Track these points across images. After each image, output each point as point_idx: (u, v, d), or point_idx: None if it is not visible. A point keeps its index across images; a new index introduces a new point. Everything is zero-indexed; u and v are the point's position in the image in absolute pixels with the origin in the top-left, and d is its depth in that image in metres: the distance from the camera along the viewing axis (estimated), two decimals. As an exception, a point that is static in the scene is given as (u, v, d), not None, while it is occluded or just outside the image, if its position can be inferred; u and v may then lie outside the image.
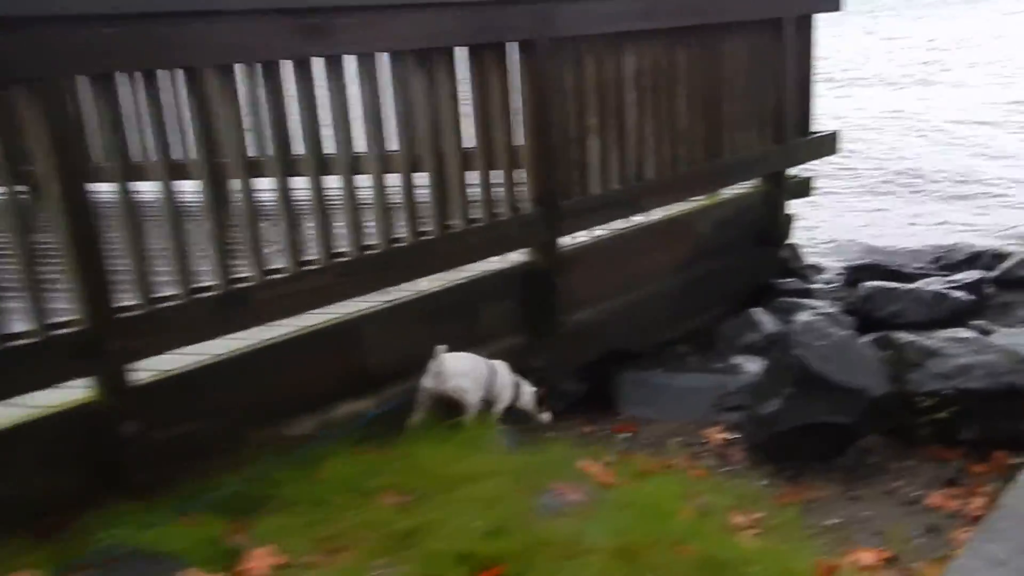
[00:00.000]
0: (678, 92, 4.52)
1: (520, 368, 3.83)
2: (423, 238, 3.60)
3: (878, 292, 4.89)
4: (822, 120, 5.85)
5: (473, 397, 3.36)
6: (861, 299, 5.00)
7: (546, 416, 3.70)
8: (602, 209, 4.28)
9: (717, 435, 3.57)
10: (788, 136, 5.36)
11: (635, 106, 4.32)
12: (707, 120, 4.78)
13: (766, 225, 5.48)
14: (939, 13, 25.46)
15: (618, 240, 4.51)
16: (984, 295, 5.42)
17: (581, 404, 4.00)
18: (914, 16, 25.64)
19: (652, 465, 3.24)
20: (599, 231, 4.52)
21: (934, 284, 5.38)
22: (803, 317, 4.51)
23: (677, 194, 4.71)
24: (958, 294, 4.80)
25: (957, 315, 4.69)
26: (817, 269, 6.61)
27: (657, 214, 4.85)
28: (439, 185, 3.61)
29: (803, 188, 5.90)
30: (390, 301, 3.65)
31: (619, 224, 4.57)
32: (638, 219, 4.73)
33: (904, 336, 3.54)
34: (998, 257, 6.30)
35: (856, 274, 5.99)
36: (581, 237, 4.39)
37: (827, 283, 6.16)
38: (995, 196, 8.92)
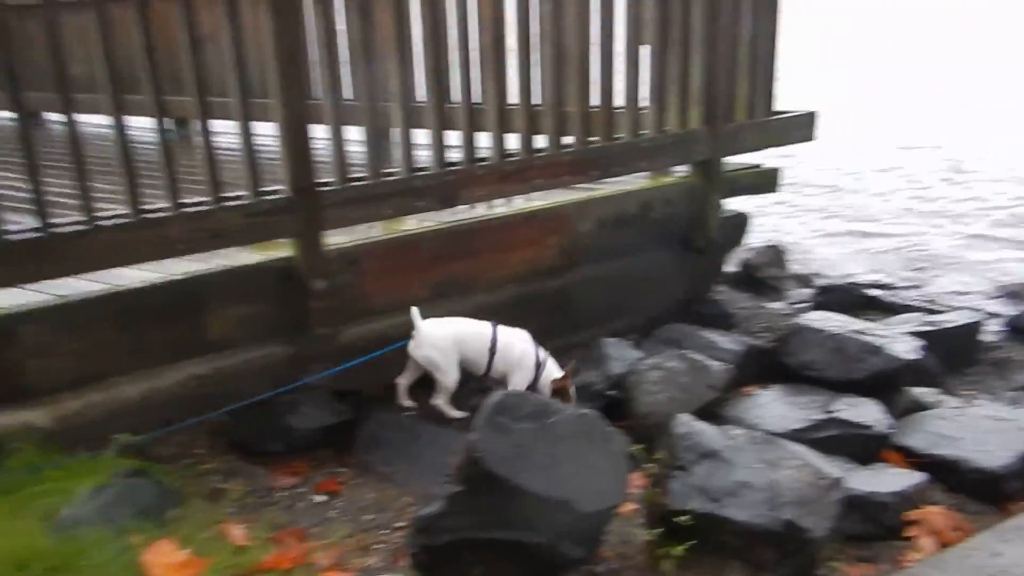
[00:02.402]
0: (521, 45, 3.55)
1: (282, 383, 3.20)
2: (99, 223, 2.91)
3: (795, 332, 3.76)
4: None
5: (446, 374, 3.19)
6: (778, 339, 3.88)
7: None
8: (394, 197, 3.42)
9: (426, 517, 2.71)
10: (726, 115, 4.23)
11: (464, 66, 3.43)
12: (583, 86, 3.77)
13: (691, 226, 4.39)
14: None
15: (429, 238, 3.64)
16: (972, 347, 4.15)
17: (325, 441, 3.22)
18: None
19: (286, 557, 2.45)
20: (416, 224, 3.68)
21: (902, 325, 4.15)
22: (647, 361, 3.53)
23: (525, 184, 3.76)
24: (899, 348, 3.59)
25: (890, 376, 3.50)
26: (803, 281, 5.41)
27: (513, 205, 3.96)
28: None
29: (765, 182, 4.73)
30: (63, 297, 3.02)
31: (456, 216, 3.72)
32: (482, 210, 3.86)
33: (686, 424, 2.52)
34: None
35: (822, 296, 4.80)
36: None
37: (796, 303, 5.00)
38: None
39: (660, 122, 4.06)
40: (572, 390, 3.26)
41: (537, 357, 3.27)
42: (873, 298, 4.68)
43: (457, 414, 3.22)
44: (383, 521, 2.74)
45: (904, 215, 6.96)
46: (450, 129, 3.55)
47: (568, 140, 3.87)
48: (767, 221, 6.22)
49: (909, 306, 4.61)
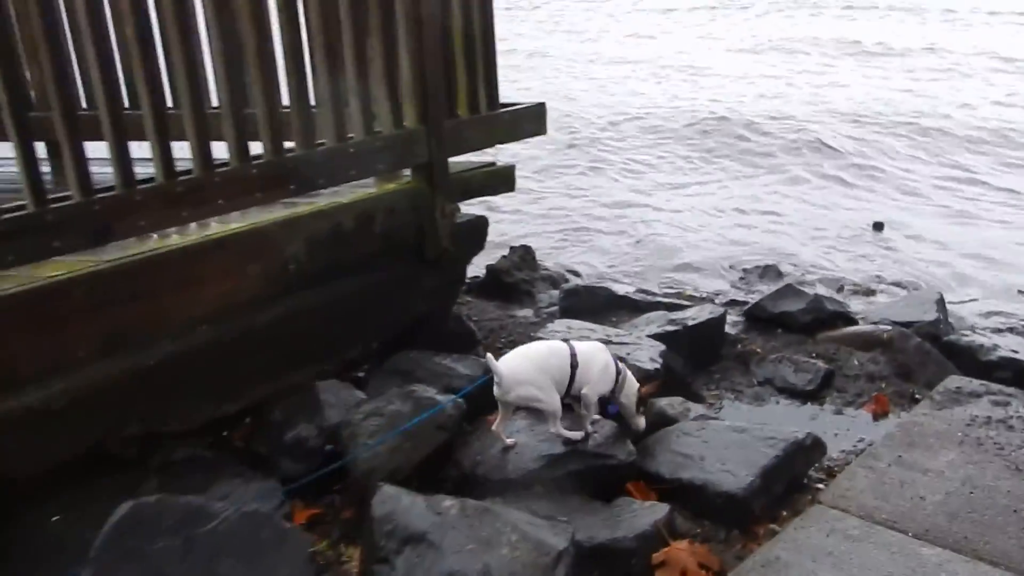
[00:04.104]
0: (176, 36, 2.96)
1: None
2: None
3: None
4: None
5: (548, 403, 2.92)
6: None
7: (641, 422, 3.13)
8: (17, 238, 2.71)
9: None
10: (446, 111, 3.87)
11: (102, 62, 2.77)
12: (266, 83, 3.24)
13: (421, 236, 3.99)
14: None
15: (86, 282, 2.96)
16: (717, 342, 4.09)
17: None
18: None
19: None
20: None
21: (647, 326, 4.02)
22: (364, 407, 3.09)
23: (204, 207, 3.16)
24: (643, 357, 3.42)
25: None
26: (553, 283, 5.22)
27: (200, 231, 3.36)
28: None
29: (501, 180, 4.42)
30: None
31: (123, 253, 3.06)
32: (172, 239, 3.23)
33: (389, 500, 2.10)
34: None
35: (568, 300, 4.61)
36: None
37: (545, 307, 4.78)
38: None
39: (368, 122, 3.61)
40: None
41: (617, 366, 3.05)
42: (619, 297, 4.54)
43: (577, 435, 2.97)
44: None
45: (638, 206, 7.01)
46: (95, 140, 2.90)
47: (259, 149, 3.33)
48: (512, 221, 6.01)
49: (656, 302, 4.51)
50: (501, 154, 4.46)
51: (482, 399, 3.35)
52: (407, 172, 3.97)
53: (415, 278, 4.03)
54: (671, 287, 5.15)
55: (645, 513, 2.63)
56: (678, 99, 10.95)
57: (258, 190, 3.28)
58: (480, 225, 4.42)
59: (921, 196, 7.27)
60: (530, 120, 4.33)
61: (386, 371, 3.53)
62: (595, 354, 3.02)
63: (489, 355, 2.93)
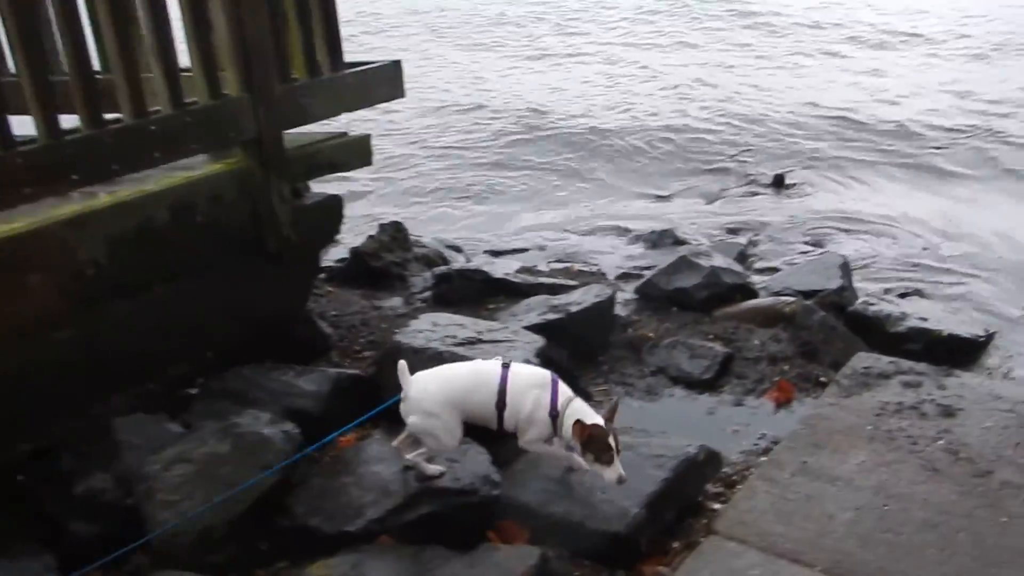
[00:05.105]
0: None
1: None
2: None
3: (391, 354, 3.00)
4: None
5: (442, 444, 2.47)
6: (377, 362, 3.12)
7: (611, 475, 2.37)
8: None
9: None
10: (277, 74, 3.29)
11: None
12: (27, 44, 2.61)
13: (257, 225, 3.42)
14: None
15: None
16: (605, 328, 3.69)
17: None
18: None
19: None
20: None
21: (526, 315, 3.59)
22: (166, 452, 2.56)
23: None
24: (516, 358, 2.97)
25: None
26: (430, 263, 4.72)
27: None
28: None
29: (355, 153, 3.86)
30: None
31: None
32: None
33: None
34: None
35: (440, 287, 4.13)
36: None
37: (418, 293, 4.28)
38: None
39: (175, 93, 3.00)
40: (614, 440, 2.39)
41: (554, 404, 2.49)
42: (497, 280, 4.06)
43: (435, 470, 2.51)
44: None
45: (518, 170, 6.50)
46: None
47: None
48: (380, 194, 5.47)
49: (539, 284, 4.06)
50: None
51: (331, 415, 2.90)
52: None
53: (254, 275, 3.47)
54: (559, 260, 4.73)
55: (511, 562, 2.22)
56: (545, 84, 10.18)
57: (25, 184, 2.65)
58: (334, 206, 3.86)
59: (816, 157, 6.99)
60: (383, 82, 3.77)
61: (216, 393, 3.00)
62: (526, 392, 2.50)
63: (402, 363, 2.49)
